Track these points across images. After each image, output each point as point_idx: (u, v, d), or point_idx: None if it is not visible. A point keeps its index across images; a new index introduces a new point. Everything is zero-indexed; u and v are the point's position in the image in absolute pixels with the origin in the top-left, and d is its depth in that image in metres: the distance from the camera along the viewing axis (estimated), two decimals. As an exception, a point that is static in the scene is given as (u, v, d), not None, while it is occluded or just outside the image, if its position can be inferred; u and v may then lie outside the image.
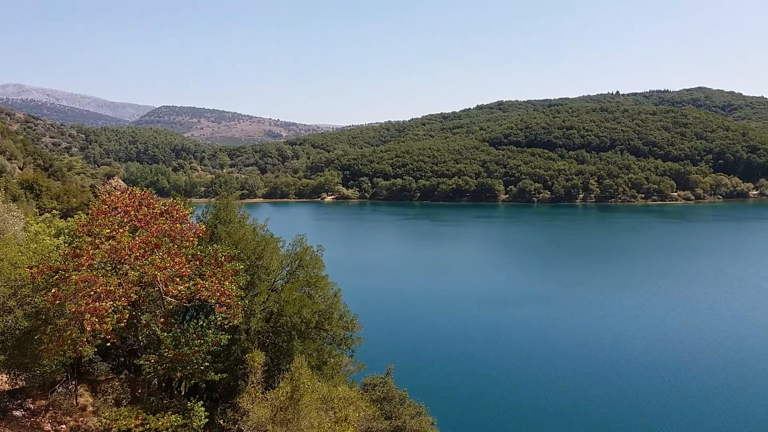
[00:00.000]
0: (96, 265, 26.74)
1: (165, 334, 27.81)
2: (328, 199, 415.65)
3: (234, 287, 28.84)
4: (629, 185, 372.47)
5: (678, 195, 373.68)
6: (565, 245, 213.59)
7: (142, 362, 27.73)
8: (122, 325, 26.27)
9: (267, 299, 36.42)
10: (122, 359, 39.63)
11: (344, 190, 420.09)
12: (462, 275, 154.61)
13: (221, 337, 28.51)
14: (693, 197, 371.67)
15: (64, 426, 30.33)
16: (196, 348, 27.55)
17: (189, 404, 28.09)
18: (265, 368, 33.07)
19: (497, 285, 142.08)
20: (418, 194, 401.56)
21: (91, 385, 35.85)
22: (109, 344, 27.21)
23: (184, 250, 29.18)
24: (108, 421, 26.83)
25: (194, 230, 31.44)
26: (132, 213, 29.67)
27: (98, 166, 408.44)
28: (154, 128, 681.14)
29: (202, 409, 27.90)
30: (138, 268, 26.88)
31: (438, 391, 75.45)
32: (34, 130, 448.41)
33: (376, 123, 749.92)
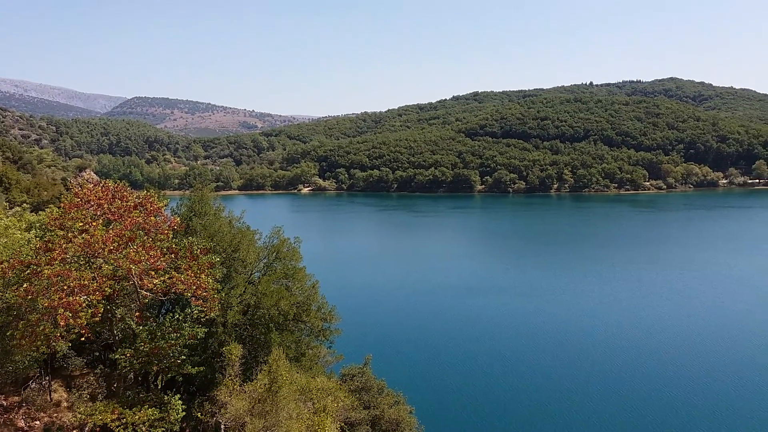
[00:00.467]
0: (69, 259, 26.36)
1: (140, 327, 27.58)
2: (305, 190, 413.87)
3: (210, 280, 28.67)
4: (602, 175, 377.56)
5: (650, 184, 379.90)
6: (539, 235, 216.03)
7: (117, 356, 27.46)
8: (97, 319, 25.96)
9: (244, 292, 36.29)
10: (97, 354, 39.14)
11: (321, 181, 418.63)
12: (439, 266, 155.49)
13: (198, 330, 28.34)
14: (665, 186, 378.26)
15: (38, 422, 29.95)
16: (173, 341, 27.36)
17: (166, 398, 27.94)
18: (243, 361, 33.02)
19: (474, 275, 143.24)
20: (395, 185, 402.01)
21: (65, 381, 35.40)
22: (83, 339, 26.91)
23: (158, 243, 28.88)
24: (83, 417, 26.54)
25: (169, 223, 31.12)
26: (105, 206, 29.27)
27: (69, 159, 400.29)
28: (126, 120, 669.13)
29: (179, 402, 27.79)
30: (112, 261, 26.56)
31: (416, 380, 76.02)
32: (2, 122, 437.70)
33: (353, 114, 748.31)
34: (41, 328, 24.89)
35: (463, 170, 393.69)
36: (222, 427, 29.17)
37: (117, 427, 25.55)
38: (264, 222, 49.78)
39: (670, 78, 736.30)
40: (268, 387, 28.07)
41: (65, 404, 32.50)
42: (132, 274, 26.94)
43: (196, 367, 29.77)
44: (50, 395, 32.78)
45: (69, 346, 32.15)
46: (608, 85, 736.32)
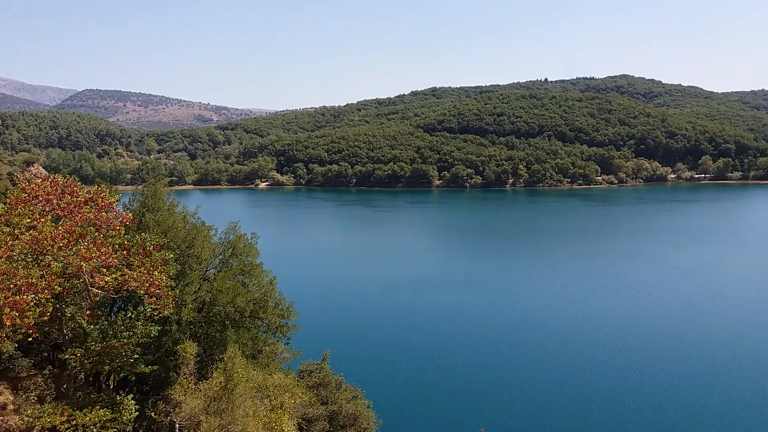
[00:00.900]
0: (15, 257, 25.52)
1: (91, 326, 26.93)
2: (262, 185, 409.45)
3: (164, 277, 28.17)
4: (556, 170, 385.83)
5: (602, 179, 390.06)
6: (495, 229, 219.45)
7: (67, 356, 26.77)
8: (45, 318, 25.23)
9: (199, 289, 35.81)
10: (46, 354, 38.01)
11: (279, 176, 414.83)
12: (397, 260, 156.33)
13: (151, 328, 27.86)
14: (616, 181, 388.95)
15: (-18, 426, 28.96)
16: (125, 340, 26.82)
17: (118, 398, 27.40)
18: (198, 359, 32.64)
19: (431, 269, 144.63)
20: (354, 180, 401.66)
21: (11, 383, 34.27)
22: (30, 339, 26.13)
23: (110, 239, 28.22)
24: (31, 419, 25.80)
25: (121, 219, 30.46)
26: (54, 201, 28.44)
27: (16, 153, 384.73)
28: (77, 112, 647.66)
29: (132, 402, 27.29)
30: (62, 258, 25.84)
31: (374, 375, 76.41)
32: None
33: (311, 108, 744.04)
34: (-15, 328, 24.05)
35: (422, 165, 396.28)
36: (177, 426, 28.78)
37: (67, 429, 24.92)
38: (220, 217, 49.15)
39: (622, 75, 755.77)
40: (223, 385, 27.83)
41: (11, 407, 31.49)
42: (83, 272, 26.27)
43: (149, 366, 29.27)
44: (-4, 398, 31.71)
45: (15, 347, 31.14)
46: (562, 81, 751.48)
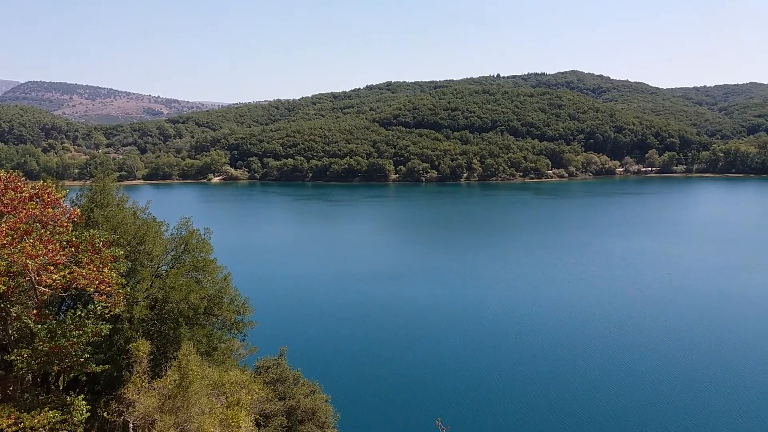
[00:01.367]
0: (-45, 256, 24.52)
1: (39, 326, 26.10)
2: (215, 180, 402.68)
3: (114, 274, 27.52)
4: (509, 164, 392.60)
5: (553, 173, 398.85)
6: (450, 222, 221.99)
7: (13, 358, 25.88)
8: (-12, 319, 24.39)
9: (151, 286, 35.13)
10: (-11, 356, 36.68)
11: (232, 170, 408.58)
12: (354, 254, 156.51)
13: (102, 326, 27.17)
14: (566, 175, 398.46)
15: None
16: (75, 340, 26.10)
17: (68, 399, 26.69)
18: (151, 357, 32.06)
19: (387, 263, 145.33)
20: (311, 174, 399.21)
21: (-47, 386, 32.94)
22: (-27, 341, 25.19)
23: (57, 236, 27.39)
24: (-25, 423, 24.90)
25: (68, 215, 29.58)
26: (-4, 198, 27.38)
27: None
28: (20, 105, 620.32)
29: (84, 402, 26.62)
30: (6, 256, 24.95)
31: (332, 369, 76.58)
32: None
33: (265, 101, 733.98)
34: (-76, 330, 23.07)
35: (378, 160, 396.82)
36: (130, 425, 28.25)
37: (14, 432, 24.17)
38: (171, 213, 48.24)
39: (572, 71, 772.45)
40: (178, 383, 27.43)
41: (-46, 411, 30.28)
42: (28, 270, 25.42)
43: (100, 366, 28.58)
44: (-64, 402, 30.43)
45: (-43, 349, 29.92)
46: (514, 77, 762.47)
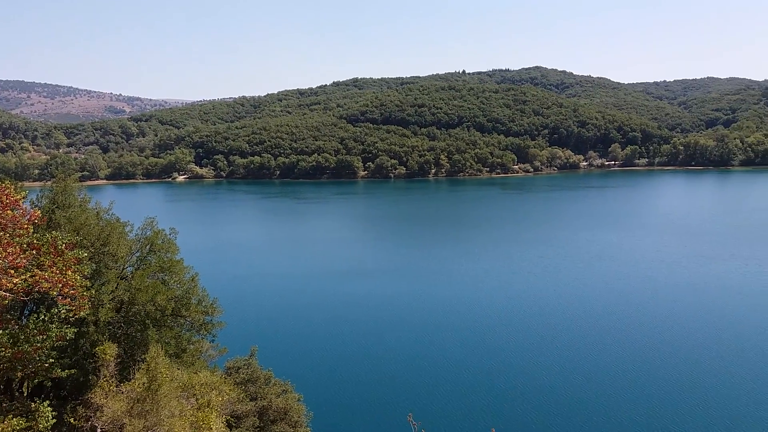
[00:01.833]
0: None
1: (0, 332, 25.41)
2: (180, 179, 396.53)
3: (78, 277, 26.90)
4: (476, 160, 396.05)
5: (519, 168, 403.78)
6: (419, 218, 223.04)
7: (-27, 365, 25.14)
8: (-54, 326, 23.60)
9: (116, 288, 34.46)
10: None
11: (198, 169, 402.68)
12: (323, 252, 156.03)
13: (67, 330, 26.57)
14: (532, 169, 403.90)
15: None
16: (38, 345, 25.47)
17: (33, 405, 26.06)
18: (119, 360, 31.50)
19: (358, 260, 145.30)
20: (278, 172, 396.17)
21: None
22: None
23: (17, 239, 26.63)
24: (-65, 433, 24.08)
25: (29, 217, 28.78)
26: (-49, 201, 26.49)
27: None
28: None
29: (49, 408, 26.02)
30: (-38, 261, 24.18)
31: (303, 368, 76.31)
32: None
33: (230, 98, 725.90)
34: None
35: (346, 156, 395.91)
36: (98, 430, 27.70)
37: (-24, 441, 23.46)
38: (136, 213, 47.40)
39: (536, 67, 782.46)
40: (147, 386, 26.99)
41: None
42: (-13, 275, 24.68)
43: (66, 370, 27.95)
44: None
45: None
46: (479, 73, 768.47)
